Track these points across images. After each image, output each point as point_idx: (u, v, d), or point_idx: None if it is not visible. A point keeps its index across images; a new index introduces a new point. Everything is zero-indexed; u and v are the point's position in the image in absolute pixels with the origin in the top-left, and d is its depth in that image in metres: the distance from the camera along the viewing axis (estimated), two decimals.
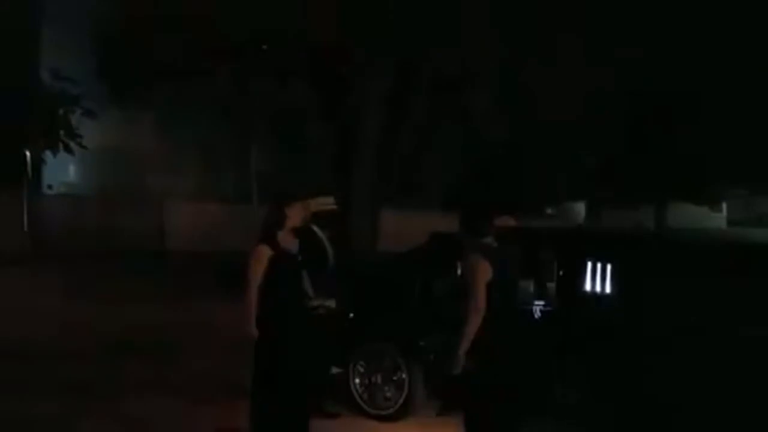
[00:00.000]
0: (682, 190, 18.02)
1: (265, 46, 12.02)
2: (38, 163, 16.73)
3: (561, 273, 4.92)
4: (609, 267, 4.71)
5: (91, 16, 15.51)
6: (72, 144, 16.24)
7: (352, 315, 5.78)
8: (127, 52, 13.43)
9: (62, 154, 16.40)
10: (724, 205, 23.78)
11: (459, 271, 4.25)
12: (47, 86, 16.14)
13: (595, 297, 4.75)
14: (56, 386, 6.15)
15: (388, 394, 5.48)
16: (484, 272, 3.95)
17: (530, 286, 4.92)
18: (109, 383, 6.31)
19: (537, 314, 4.85)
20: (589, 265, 4.77)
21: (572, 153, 16.36)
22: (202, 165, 19.17)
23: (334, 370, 5.72)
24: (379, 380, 5.52)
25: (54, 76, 16.00)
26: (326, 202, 4.97)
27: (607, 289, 4.73)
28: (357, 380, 5.62)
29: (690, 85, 14.27)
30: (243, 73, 13.15)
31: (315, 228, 5.41)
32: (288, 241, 4.56)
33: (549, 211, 21.21)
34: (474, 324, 3.91)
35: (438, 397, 5.29)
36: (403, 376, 5.41)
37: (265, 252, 4.43)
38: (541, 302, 4.88)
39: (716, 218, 23.35)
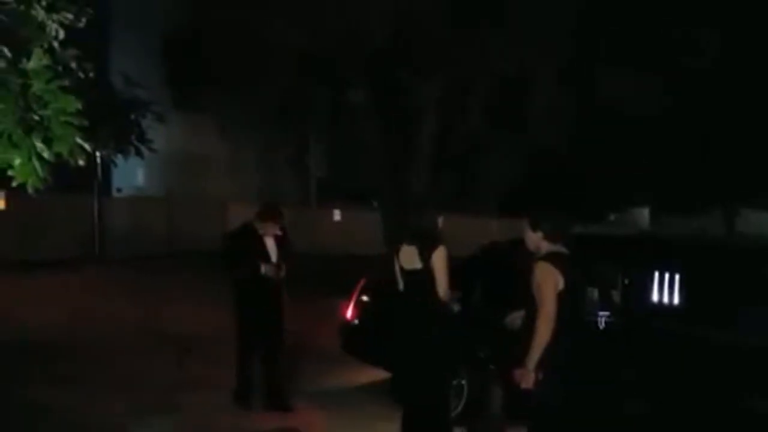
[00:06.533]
0: (750, 195, 17.32)
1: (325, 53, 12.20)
2: (108, 166, 17.32)
3: (626, 282, 4.81)
4: (677, 276, 4.56)
5: (159, 22, 16.04)
6: (142, 148, 16.75)
7: None
8: (193, 57, 13.85)
9: (131, 157, 16.93)
10: None
11: (531, 280, 4.08)
12: (119, 91, 16.65)
13: (662, 307, 4.62)
14: (124, 382, 6.44)
15: None
16: (555, 281, 3.82)
17: (594, 296, 4.81)
18: (173, 380, 6.56)
19: (602, 325, 4.73)
20: (657, 274, 4.64)
21: (636, 157, 15.90)
22: (264, 168, 19.53)
23: None
24: None
25: (125, 81, 16.51)
26: None
27: (675, 300, 4.58)
28: None
29: (758, 88, 13.71)
30: (303, 78, 13.35)
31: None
32: None
33: (611, 217, 20.68)
34: (544, 336, 3.78)
35: (499, 405, 5.23)
36: (462, 382, 5.40)
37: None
38: (606, 313, 4.77)
39: None
